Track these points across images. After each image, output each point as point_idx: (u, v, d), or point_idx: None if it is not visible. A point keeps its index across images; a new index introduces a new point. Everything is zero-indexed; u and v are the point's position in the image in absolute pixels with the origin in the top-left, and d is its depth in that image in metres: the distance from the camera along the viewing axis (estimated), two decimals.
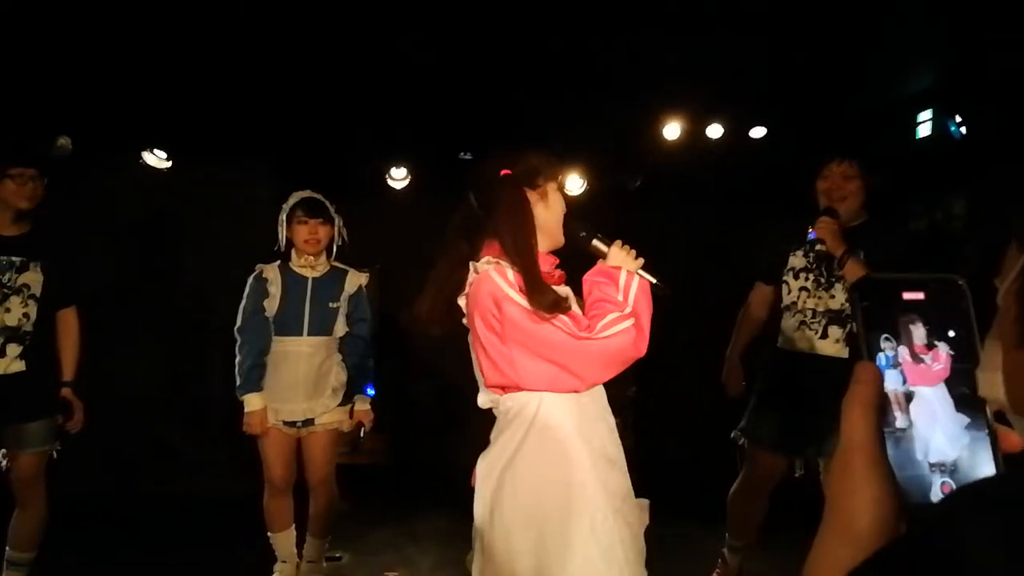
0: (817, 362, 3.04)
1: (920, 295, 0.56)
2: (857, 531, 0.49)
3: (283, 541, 3.43)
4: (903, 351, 0.55)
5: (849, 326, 3.04)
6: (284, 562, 3.43)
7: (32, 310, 3.09)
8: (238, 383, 3.29)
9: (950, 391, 0.55)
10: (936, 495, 0.52)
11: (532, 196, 1.95)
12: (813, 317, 3.08)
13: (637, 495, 1.94)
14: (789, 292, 3.16)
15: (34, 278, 3.10)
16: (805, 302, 3.10)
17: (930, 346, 0.56)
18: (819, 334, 3.06)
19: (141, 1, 3.74)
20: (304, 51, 4.26)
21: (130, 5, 3.75)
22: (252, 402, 3.26)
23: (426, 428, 5.38)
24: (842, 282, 3.03)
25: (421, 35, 4.15)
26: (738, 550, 3.31)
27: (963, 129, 4.27)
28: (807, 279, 3.12)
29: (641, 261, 1.94)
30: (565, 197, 2.05)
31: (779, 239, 3.26)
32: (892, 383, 0.54)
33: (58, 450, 3.19)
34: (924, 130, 4.64)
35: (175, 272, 5.47)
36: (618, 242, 1.96)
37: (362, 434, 3.45)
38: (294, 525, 3.47)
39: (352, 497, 3.70)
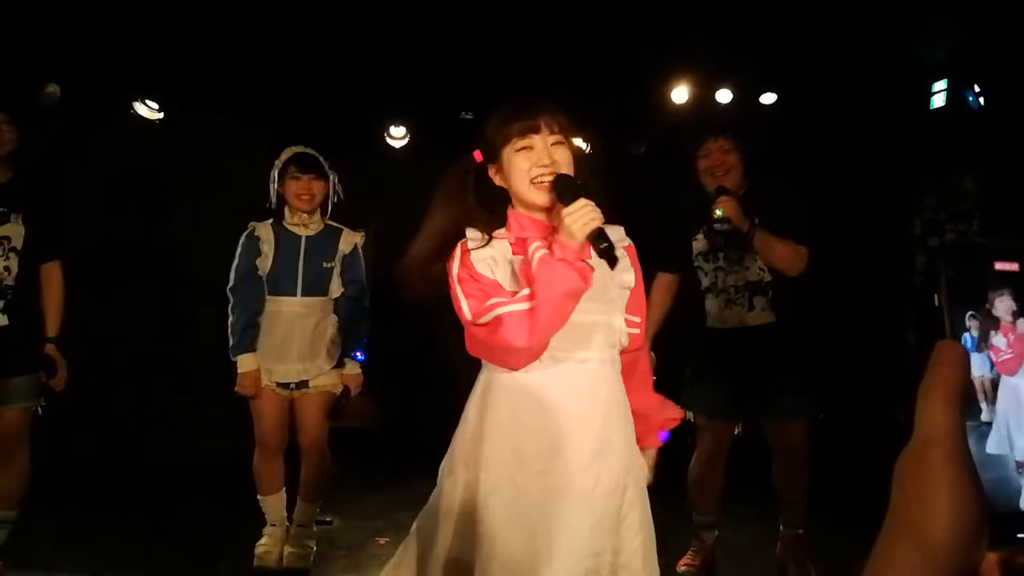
0: (748, 332, 3.16)
1: (1015, 266, 0.48)
2: (934, 541, 0.41)
3: (273, 504, 3.38)
4: (992, 332, 0.47)
5: (770, 292, 3.13)
6: (274, 525, 3.38)
7: (13, 263, 2.98)
8: (231, 343, 3.22)
9: None
10: (1023, 501, 0.45)
11: (493, 169, 1.83)
12: (737, 293, 3.16)
13: None
14: (706, 275, 3.22)
15: (15, 230, 2.98)
16: (725, 280, 3.18)
17: (1013, 321, 0.47)
18: (746, 307, 3.16)
19: None
20: (304, 2, 4.12)
21: None
22: (246, 363, 3.19)
23: (419, 393, 5.32)
24: (751, 253, 3.13)
25: None
26: (709, 526, 3.33)
27: (981, 100, 4.15)
28: (718, 259, 3.19)
29: (592, 225, 1.62)
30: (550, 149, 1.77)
31: (679, 226, 3.29)
32: (978, 369, 0.46)
33: (43, 406, 3.10)
34: (939, 100, 4.52)
35: (165, 229, 5.37)
36: (580, 201, 1.64)
37: (346, 399, 3.36)
38: (284, 488, 3.42)
39: (344, 461, 3.64)
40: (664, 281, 3.35)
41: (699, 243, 3.22)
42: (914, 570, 0.41)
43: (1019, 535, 0.44)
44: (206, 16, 4.20)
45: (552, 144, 1.76)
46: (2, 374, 2.97)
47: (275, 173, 3.29)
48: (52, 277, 3.15)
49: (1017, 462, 0.46)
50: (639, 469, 1.83)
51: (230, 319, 3.25)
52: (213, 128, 5.08)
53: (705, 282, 3.23)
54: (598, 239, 1.62)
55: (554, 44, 4.44)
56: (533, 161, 1.75)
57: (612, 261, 1.62)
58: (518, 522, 1.69)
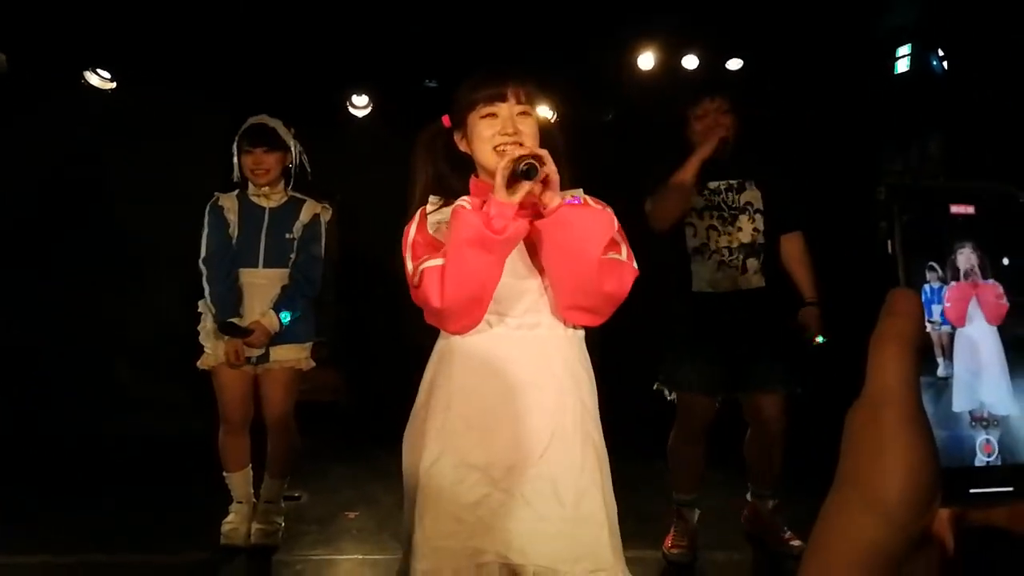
0: (741, 297, 3.08)
1: (970, 209, 0.46)
2: (886, 500, 0.39)
3: (239, 481, 3.33)
4: (950, 281, 0.45)
5: (763, 255, 3.08)
6: (240, 502, 3.34)
7: None
8: (214, 312, 3.13)
9: (1002, 333, 0.45)
10: (979, 458, 0.43)
11: (459, 135, 1.83)
12: (730, 255, 3.08)
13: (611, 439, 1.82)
14: (696, 234, 3.11)
15: None
16: (717, 241, 3.09)
17: (981, 275, 0.45)
18: (740, 270, 3.07)
19: None
20: None
21: None
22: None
23: (386, 364, 5.28)
24: (747, 211, 3.07)
25: None
26: (691, 504, 3.25)
27: (945, 64, 4.16)
28: (712, 217, 3.10)
29: (509, 159, 1.60)
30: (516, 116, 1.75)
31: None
32: (934, 320, 0.44)
33: None
34: (903, 65, 4.53)
35: (121, 200, 5.22)
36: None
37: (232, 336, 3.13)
38: (251, 465, 3.37)
39: (311, 435, 3.60)
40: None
41: (694, 199, 3.09)
42: (864, 529, 0.39)
43: (971, 491, 0.43)
44: None
45: (518, 114, 1.75)
46: None
47: (235, 146, 3.22)
48: None
49: (973, 416, 0.44)
50: (595, 447, 1.75)
51: (207, 290, 3.17)
52: (169, 98, 4.93)
53: (694, 242, 3.10)
54: (518, 164, 1.58)
55: (518, 10, 4.37)
56: (496, 129, 1.74)
57: (530, 175, 1.57)
58: (454, 494, 1.67)
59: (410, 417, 1.82)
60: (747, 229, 3.07)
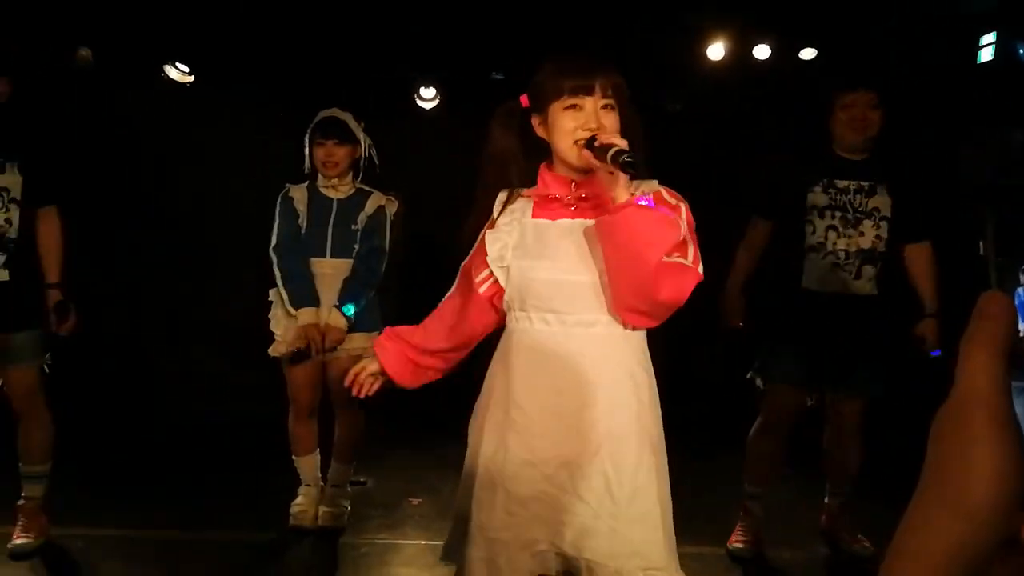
0: (849, 301, 2.99)
1: None
2: (973, 505, 0.38)
3: (307, 465, 3.42)
4: None
5: (880, 264, 2.98)
6: (308, 485, 3.43)
7: (14, 215, 2.94)
8: (287, 299, 3.20)
9: None
10: None
11: (537, 120, 1.79)
12: (847, 258, 2.98)
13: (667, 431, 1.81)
14: (814, 232, 3.01)
15: (12, 180, 2.93)
16: (835, 243, 2.98)
17: None
18: (853, 275, 2.98)
19: None
20: None
21: None
22: (305, 315, 3.17)
23: None
24: (872, 217, 2.95)
25: None
26: (759, 498, 3.21)
27: None
28: (833, 217, 2.99)
29: (612, 169, 1.60)
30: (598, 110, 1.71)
31: (794, 173, 3.08)
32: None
33: (49, 364, 3.08)
34: (987, 54, 4.35)
35: (199, 190, 5.39)
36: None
37: (313, 353, 3.21)
38: (318, 449, 3.45)
39: (378, 422, 3.67)
40: (761, 229, 3.18)
41: (816, 196, 3.00)
42: (950, 534, 0.38)
43: None
44: None
45: (602, 107, 1.71)
46: (5, 330, 2.95)
47: (307, 138, 3.29)
48: (50, 222, 3.08)
49: None
50: (652, 445, 1.73)
51: (278, 277, 3.24)
52: (244, 91, 5.07)
53: (811, 240, 3.00)
54: (618, 155, 1.56)
55: (586, 3, 4.34)
56: (580, 122, 1.69)
57: (631, 167, 1.55)
58: (509, 487, 1.69)
59: (474, 410, 1.86)
60: (869, 235, 2.97)
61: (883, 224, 2.97)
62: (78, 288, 3.20)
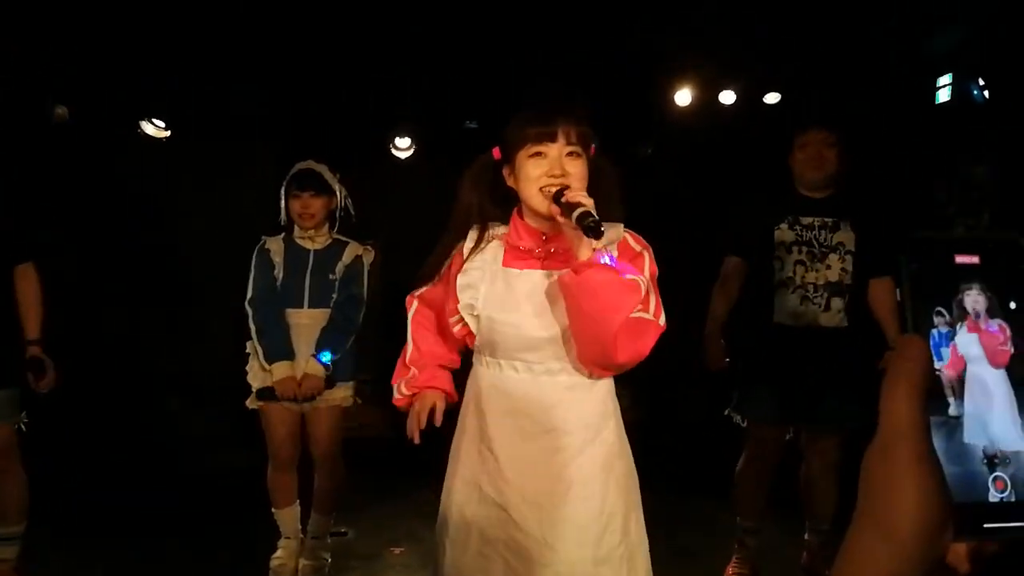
0: (820, 334, 3.06)
1: (975, 259, 0.48)
2: (899, 532, 0.42)
3: (287, 517, 3.39)
4: (958, 326, 0.47)
5: (848, 296, 3.05)
6: (288, 538, 3.39)
7: None
8: (263, 354, 3.20)
9: (1010, 374, 0.47)
10: (990, 492, 0.45)
11: (507, 170, 1.82)
12: (815, 292, 3.06)
13: (645, 471, 1.86)
14: (783, 267, 3.10)
15: None
16: (804, 277, 3.06)
17: (989, 319, 0.48)
18: (823, 307, 3.05)
19: None
20: (306, 19, 4.15)
21: None
22: (280, 370, 3.17)
23: None
24: (837, 251, 3.05)
25: (425, 1, 4.03)
26: (754, 532, 3.25)
27: (986, 93, 4.13)
28: (800, 252, 3.08)
29: (574, 228, 1.61)
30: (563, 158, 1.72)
31: (761, 212, 3.17)
32: (944, 364, 0.47)
33: (25, 423, 3.03)
34: (944, 95, 4.50)
35: (175, 243, 5.40)
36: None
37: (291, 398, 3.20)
38: (298, 501, 3.42)
39: (358, 472, 3.65)
40: (735, 265, 3.25)
41: (783, 233, 3.09)
42: (880, 560, 0.42)
43: (986, 525, 0.45)
44: (211, 34, 4.23)
45: (567, 154, 1.71)
46: None
47: (283, 190, 3.32)
48: (27, 278, 3.06)
49: (985, 454, 0.46)
50: (619, 484, 1.77)
51: (253, 331, 3.24)
52: (220, 144, 5.12)
53: (780, 275, 3.09)
54: (584, 219, 1.56)
55: (557, 51, 4.45)
56: (544, 170, 1.71)
57: (593, 233, 1.55)
58: (480, 531, 1.76)
59: (451, 449, 1.91)
60: (835, 268, 3.05)
61: (848, 258, 3.06)
62: (56, 342, 3.18)
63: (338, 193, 3.36)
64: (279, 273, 3.27)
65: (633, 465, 1.83)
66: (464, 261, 1.83)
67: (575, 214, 1.57)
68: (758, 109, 4.88)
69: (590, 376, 1.75)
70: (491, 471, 1.75)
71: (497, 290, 1.78)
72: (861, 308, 3.09)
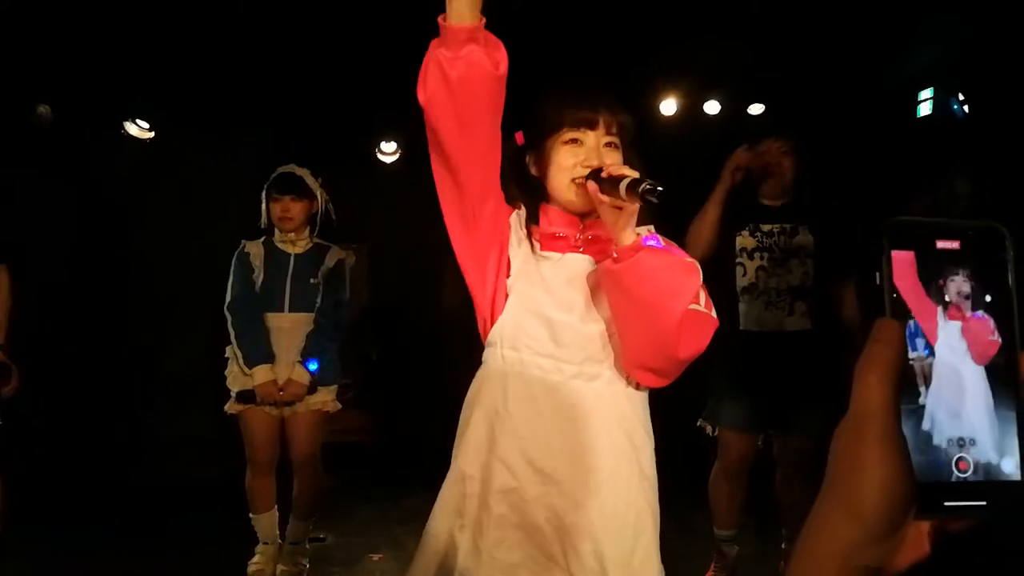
0: (785, 338, 3.10)
1: (955, 244, 0.48)
2: (863, 510, 0.43)
3: (265, 522, 3.36)
4: (939, 313, 0.47)
5: (810, 299, 3.09)
6: (266, 543, 3.36)
7: None
8: (242, 357, 3.19)
9: (990, 370, 0.48)
10: (953, 474, 0.46)
11: (531, 157, 1.62)
12: (779, 296, 3.11)
13: None
14: (745, 274, 3.15)
15: None
16: (767, 282, 3.12)
17: (966, 306, 0.48)
18: (787, 311, 3.10)
19: None
20: (291, 20, 4.14)
21: None
22: (260, 374, 3.16)
23: (411, 406, 5.32)
24: (798, 255, 3.09)
25: (411, 4, 4.03)
26: (731, 540, 3.26)
27: (966, 108, 4.19)
28: (762, 258, 3.13)
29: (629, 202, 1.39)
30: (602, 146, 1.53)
31: (723, 220, 3.17)
32: (918, 351, 0.47)
33: (0, 424, 3.00)
34: (925, 109, 4.56)
35: (156, 245, 5.36)
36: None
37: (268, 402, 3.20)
38: (277, 506, 3.40)
39: (338, 476, 3.64)
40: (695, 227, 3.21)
41: (744, 239, 3.14)
42: (843, 535, 0.43)
43: (946, 503, 0.45)
44: (196, 35, 4.21)
45: (604, 144, 1.53)
46: None
47: (263, 193, 3.32)
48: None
49: (948, 438, 0.46)
50: (653, 520, 1.55)
51: (232, 335, 3.23)
52: (204, 146, 5.09)
53: (743, 282, 3.13)
54: (632, 184, 1.34)
55: (543, 59, 4.46)
56: (580, 159, 1.51)
57: (654, 196, 1.32)
58: (493, 553, 1.49)
59: (453, 459, 1.61)
60: (797, 272, 3.10)
61: (808, 261, 3.11)
62: (33, 344, 3.15)
63: (319, 197, 3.35)
64: (259, 276, 3.27)
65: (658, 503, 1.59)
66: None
67: (623, 184, 1.35)
68: (742, 119, 4.92)
69: (628, 384, 1.53)
70: (507, 489, 1.49)
71: (529, 271, 1.55)
72: (825, 311, 3.13)
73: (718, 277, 3.16)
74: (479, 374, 1.60)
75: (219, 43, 4.31)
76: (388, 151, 5.38)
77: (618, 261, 1.39)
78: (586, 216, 1.55)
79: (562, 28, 4.18)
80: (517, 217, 1.61)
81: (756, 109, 4.94)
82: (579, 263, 1.54)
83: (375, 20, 4.09)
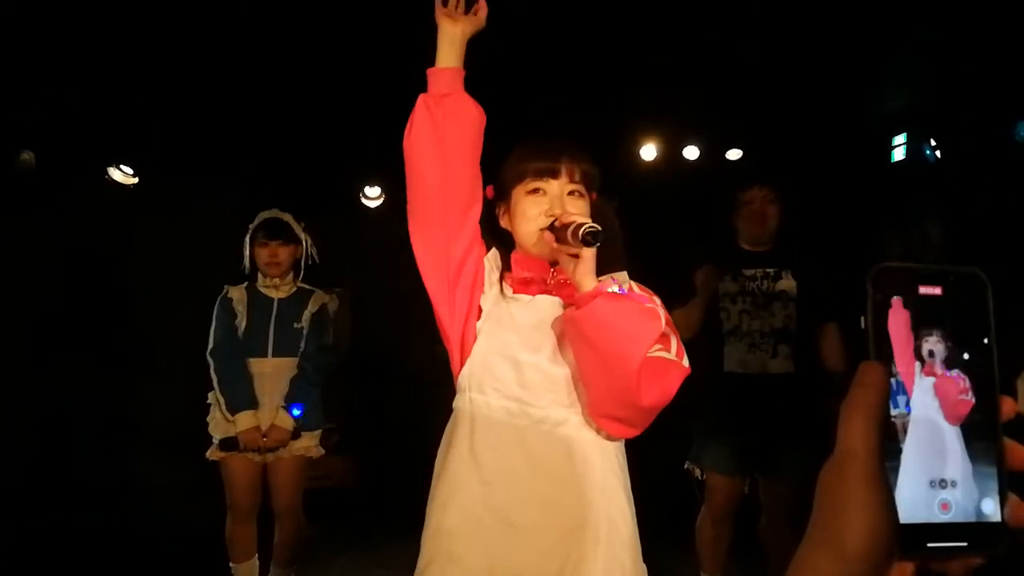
0: (769, 380, 3.11)
1: (937, 290, 0.50)
2: (848, 550, 0.44)
3: (246, 571, 3.30)
4: (916, 370, 0.49)
5: (793, 342, 3.12)
6: None
7: None
8: (224, 404, 3.16)
9: (966, 427, 0.49)
10: (935, 515, 0.47)
11: (501, 209, 1.65)
12: (762, 338, 3.13)
13: None
14: (729, 317, 3.17)
15: None
16: (750, 325, 3.14)
17: (945, 365, 0.49)
18: (770, 354, 3.12)
19: (109, 14, 3.65)
20: (276, 65, 4.19)
21: (97, 18, 3.66)
22: (243, 420, 3.14)
23: (394, 451, 5.26)
24: (780, 299, 3.13)
25: (395, 50, 4.10)
26: None
27: (938, 153, 4.28)
28: (745, 302, 3.16)
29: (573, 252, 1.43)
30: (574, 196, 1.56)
31: (705, 264, 3.18)
32: (899, 408, 0.48)
33: None
34: (899, 153, 4.66)
35: (140, 290, 5.33)
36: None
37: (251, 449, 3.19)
38: (257, 554, 3.34)
39: (319, 522, 3.58)
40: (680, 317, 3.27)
41: (727, 284, 3.17)
42: (829, 574, 0.44)
43: (929, 544, 0.46)
44: (180, 80, 4.25)
45: (568, 193, 1.55)
46: None
47: (247, 238, 3.32)
48: None
49: (930, 480, 0.48)
50: None
51: (215, 382, 3.22)
52: (188, 191, 5.10)
53: (727, 325, 3.17)
54: (576, 230, 1.37)
55: (525, 105, 4.54)
56: (543, 208, 1.53)
57: (593, 238, 1.35)
58: None
59: (430, 502, 1.59)
60: (780, 315, 3.12)
61: (791, 305, 3.13)
62: (12, 387, 3.11)
63: (304, 242, 3.37)
64: (241, 322, 3.26)
65: (641, 560, 1.53)
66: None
67: (570, 229, 1.38)
68: (721, 164, 5.00)
69: (598, 434, 1.49)
70: (461, 536, 1.47)
71: (499, 313, 1.56)
72: (808, 354, 3.14)
73: (704, 322, 3.19)
74: (451, 420, 1.59)
75: (202, 88, 4.34)
76: (372, 195, 5.41)
77: (577, 308, 1.40)
78: (556, 263, 1.56)
79: (542, 75, 4.25)
80: (493, 258, 1.64)
81: (734, 154, 5.02)
82: (549, 305, 1.54)
83: (357, 65, 4.15)
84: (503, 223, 1.64)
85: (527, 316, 1.54)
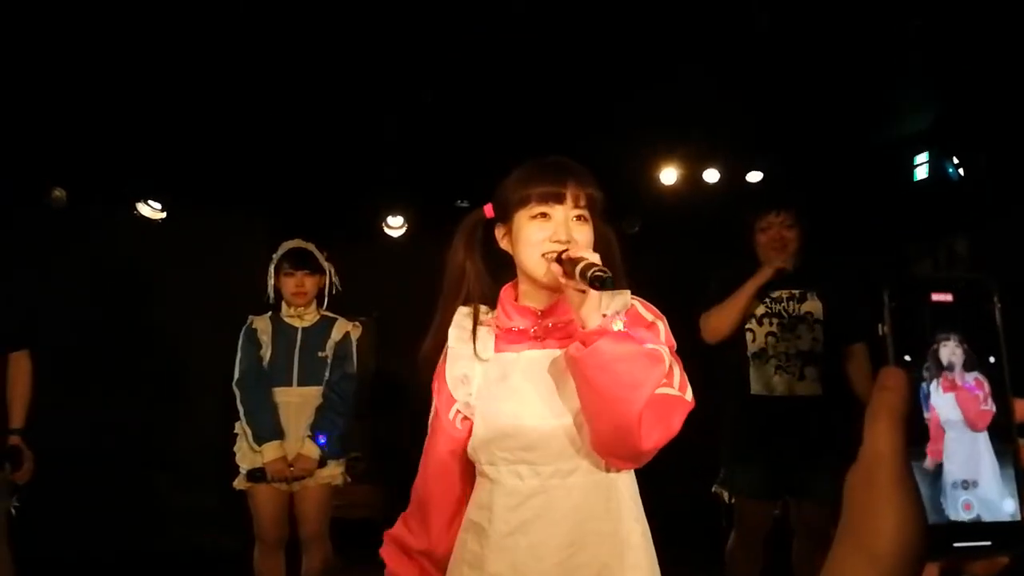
0: (795, 403, 3.08)
1: (949, 296, 0.51)
2: (879, 553, 0.44)
3: None
4: (933, 384, 0.50)
5: (821, 364, 3.09)
6: None
7: None
8: (251, 434, 3.19)
9: (991, 433, 0.50)
10: (958, 514, 0.47)
11: (501, 231, 1.61)
12: (788, 360, 3.10)
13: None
14: (755, 339, 3.15)
15: None
16: (776, 347, 3.12)
17: (965, 374, 0.50)
18: (797, 376, 3.09)
19: (136, 53, 3.75)
20: (299, 99, 4.27)
21: (125, 56, 3.76)
22: (269, 451, 3.16)
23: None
24: (806, 320, 3.10)
25: (418, 82, 4.17)
26: None
27: (960, 171, 4.26)
28: (771, 324, 3.14)
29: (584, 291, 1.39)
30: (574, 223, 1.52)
31: (732, 288, 3.17)
32: (922, 409, 0.49)
33: (16, 507, 3.00)
34: (921, 172, 4.64)
35: (168, 322, 5.41)
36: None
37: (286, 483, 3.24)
38: None
39: (345, 552, 3.58)
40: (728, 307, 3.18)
41: (753, 306, 3.15)
42: None
43: (955, 544, 0.47)
44: (205, 116, 4.34)
45: (574, 218, 1.51)
46: None
47: (271, 268, 3.36)
48: (19, 366, 3.07)
49: (952, 480, 0.48)
50: None
51: (241, 412, 3.25)
52: (214, 224, 5.19)
53: (753, 347, 3.14)
54: (585, 270, 1.35)
55: (544, 127, 4.58)
56: (548, 234, 1.49)
57: (601, 283, 1.32)
58: None
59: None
60: (806, 338, 3.09)
61: (817, 327, 3.11)
62: (46, 417, 3.16)
63: (328, 271, 3.41)
64: (266, 352, 3.29)
65: None
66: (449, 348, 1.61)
67: (578, 268, 1.35)
68: (741, 187, 5.00)
69: (608, 470, 1.49)
70: None
71: (491, 379, 1.54)
72: (835, 375, 3.11)
73: (729, 344, 3.18)
74: (475, 485, 1.60)
75: (226, 124, 4.43)
76: (395, 225, 5.46)
77: (582, 346, 1.37)
78: (550, 297, 1.56)
79: (565, 99, 4.29)
80: (462, 318, 1.61)
81: (754, 177, 5.02)
82: (538, 359, 1.53)
83: (380, 98, 4.22)
84: (503, 245, 1.61)
85: (518, 371, 1.53)
